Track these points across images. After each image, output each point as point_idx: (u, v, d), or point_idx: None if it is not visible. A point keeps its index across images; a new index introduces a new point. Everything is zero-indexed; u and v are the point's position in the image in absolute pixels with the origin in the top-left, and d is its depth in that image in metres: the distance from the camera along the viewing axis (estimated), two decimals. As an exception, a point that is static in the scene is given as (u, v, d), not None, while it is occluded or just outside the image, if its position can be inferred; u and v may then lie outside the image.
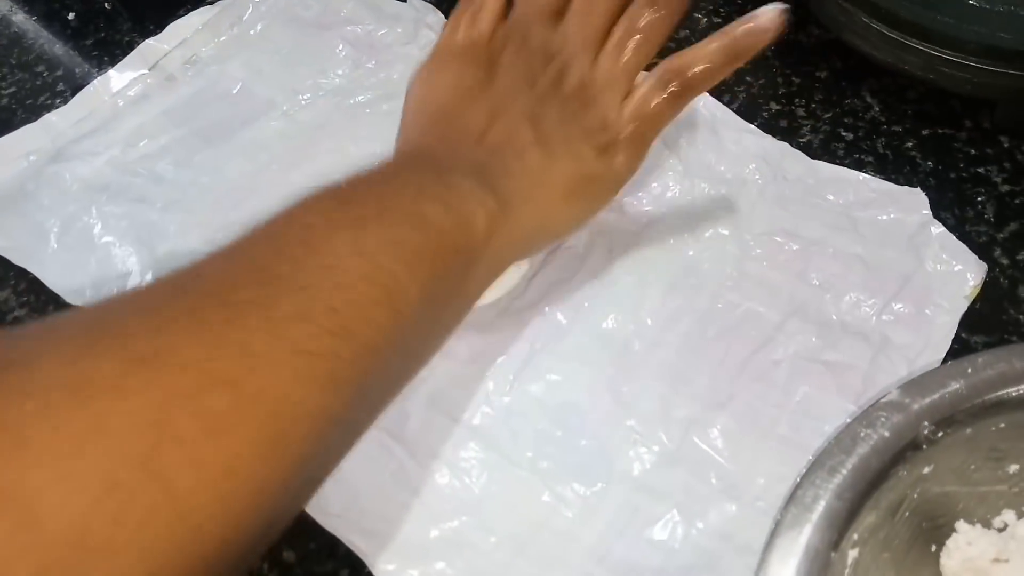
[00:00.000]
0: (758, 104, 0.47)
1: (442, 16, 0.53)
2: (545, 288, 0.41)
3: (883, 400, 0.30)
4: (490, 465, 0.36)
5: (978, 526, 0.31)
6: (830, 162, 0.43)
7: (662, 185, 0.44)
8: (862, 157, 0.44)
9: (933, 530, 0.31)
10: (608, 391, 0.38)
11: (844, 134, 0.45)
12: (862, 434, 0.29)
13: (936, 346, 0.37)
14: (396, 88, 0.49)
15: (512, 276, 0.39)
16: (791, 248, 0.41)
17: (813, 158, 0.44)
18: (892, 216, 0.41)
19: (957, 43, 0.39)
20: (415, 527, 0.35)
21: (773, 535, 0.28)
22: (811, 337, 0.38)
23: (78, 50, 0.56)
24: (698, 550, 0.34)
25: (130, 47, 0.54)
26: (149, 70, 0.52)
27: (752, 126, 0.45)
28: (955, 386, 0.30)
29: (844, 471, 0.29)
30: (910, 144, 0.44)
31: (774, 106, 0.46)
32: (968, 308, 0.38)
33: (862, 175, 0.43)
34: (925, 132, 0.44)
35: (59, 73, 0.55)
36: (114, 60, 0.53)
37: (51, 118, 0.51)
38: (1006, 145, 0.43)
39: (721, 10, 0.51)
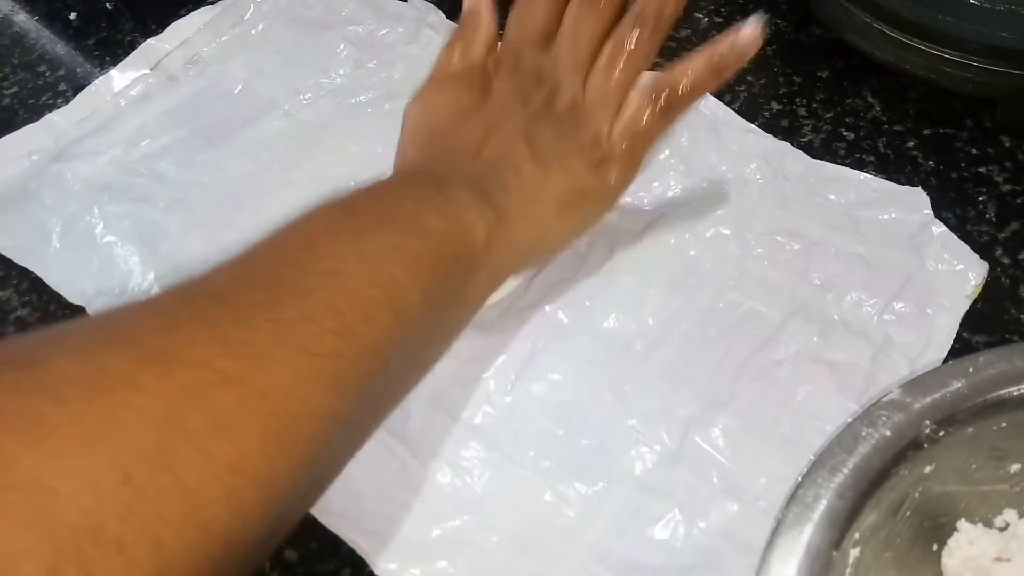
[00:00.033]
0: (759, 104, 0.47)
1: (443, 16, 0.53)
2: (547, 287, 0.41)
3: (884, 399, 0.30)
4: (492, 464, 0.36)
5: (979, 525, 0.31)
6: (831, 162, 0.43)
7: (663, 185, 0.44)
8: (863, 157, 0.44)
9: (935, 529, 0.31)
10: (610, 390, 0.38)
11: (845, 134, 0.45)
12: (863, 433, 0.30)
13: (938, 345, 0.37)
14: (397, 88, 0.50)
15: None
16: (792, 248, 0.41)
17: (814, 158, 0.44)
18: (893, 216, 0.41)
19: (958, 43, 0.39)
20: (417, 526, 0.35)
21: (774, 534, 0.28)
22: (812, 336, 0.38)
23: (80, 50, 0.56)
24: (699, 549, 0.34)
25: (132, 47, 0.54)
26: (151, 70, 0.53)
27: (753, 126, 0.45)
28: (956, 385, 0.30)
29: (845, 470, 0.29)
30: (911, 144, 0.44)
31: (775, 106, 0.46)
32: (969, 307, 0.38)
33: (863, 175, 0.43)
34: (926, 132, 0.44)
35: (61, 73, 0.55)
36: (116, 60, 0.53)
37: (53, 118, 0.51)
38: (1007, 145, 0.43)
39: (722, 9, 0.51)
